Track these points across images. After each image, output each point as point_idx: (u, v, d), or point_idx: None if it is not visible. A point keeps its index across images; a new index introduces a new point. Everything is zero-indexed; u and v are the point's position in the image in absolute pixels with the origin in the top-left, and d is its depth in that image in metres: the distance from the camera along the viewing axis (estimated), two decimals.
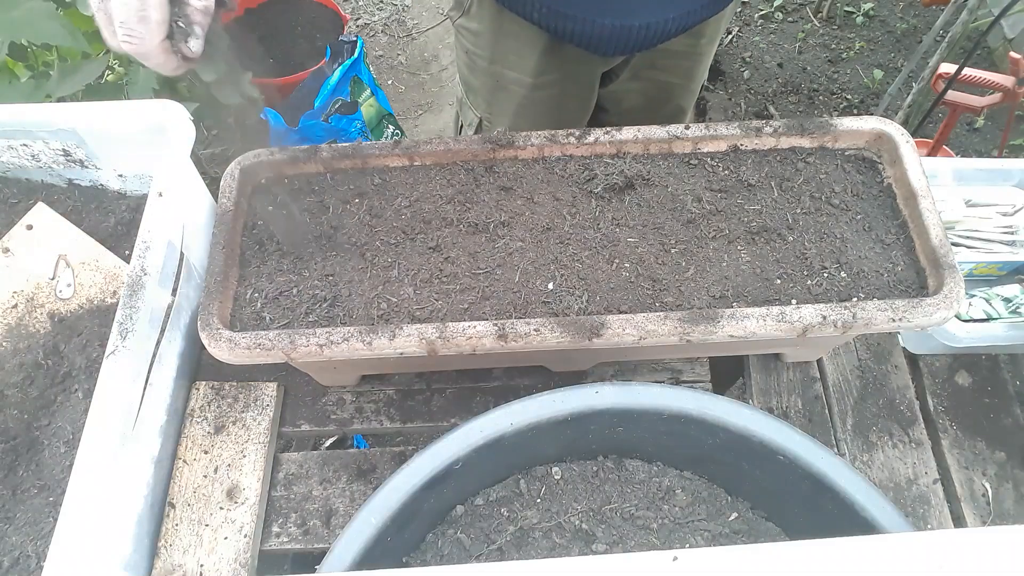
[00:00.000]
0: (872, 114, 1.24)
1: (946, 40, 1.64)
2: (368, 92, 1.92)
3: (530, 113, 0.99)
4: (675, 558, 0.36)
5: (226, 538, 0.67)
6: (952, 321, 0.74)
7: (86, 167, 0.79)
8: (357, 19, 2.56)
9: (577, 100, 1.01)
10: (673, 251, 0.65)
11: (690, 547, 0.57)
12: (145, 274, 0.61)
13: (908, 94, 1.81)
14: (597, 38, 0.86)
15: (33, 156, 0.78)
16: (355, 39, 1.92)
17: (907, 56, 2.33)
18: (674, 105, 1.06)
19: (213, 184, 0.70)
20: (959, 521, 0.70)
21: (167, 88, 1.44)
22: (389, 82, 2.39)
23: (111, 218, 0.80)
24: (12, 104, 0.73)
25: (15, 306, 0.73)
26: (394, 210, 0.68)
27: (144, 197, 0.74)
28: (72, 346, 0.71)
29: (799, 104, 2.28)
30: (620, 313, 0.61)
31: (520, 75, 0.95)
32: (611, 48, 0.88)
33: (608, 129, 0.70)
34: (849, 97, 2.28)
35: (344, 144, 0.71)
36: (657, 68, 0.98)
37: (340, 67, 1.84)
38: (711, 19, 0.91)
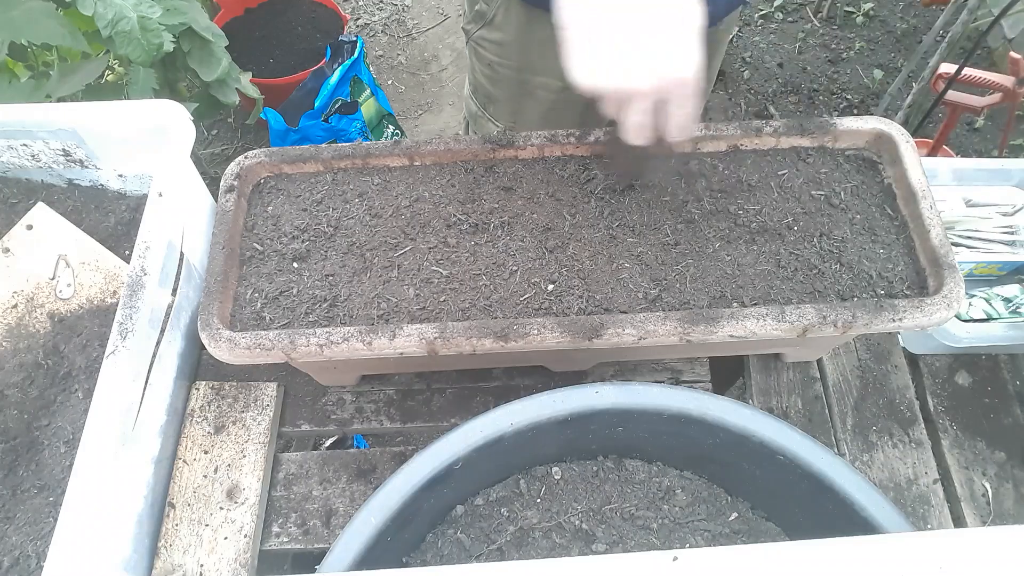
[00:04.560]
0: (872, 114, 1.24)
1: (946, 40, 1.64)
2: (368, 92, 1.92)
3: (558, 116, 0.98)
4: (675, 558, 0.36)
5: (226, 538, 0.67)
6: (952, 321, 0.74)
7: (86, 167, 0.79)
8: (357, 19, 2.56)
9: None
10: (673, 251, 0.65)
11: (690, 547, 0.57)
12: (145, 274, 0.61)
13: (908, 94, 1.81)
14: None
15: (33, 156, 0.78)
16: (355, 39, 1.93)
17: (907, 56, 2.33)
18: None
19: (213, 184, 0.70)
20: (959, 521, 0.70)
21: (167, 88, 1.45)
22: (389, 82, 2.39)
23: (111, 218, 0.80)
24: (12, 104, 0.73)
25: (15, 306, 0.73)
26: (394, 210, 0.68)
27: (144, 197, 0.74)
28: (72, 346, 0.71)
29: (799, 104, 2.28)
30: (620, 313, 0.61)
31: (549, 79, 0.94)
32: None
33: (608, 129, 0.70)
34: (849, 97, 2.28)
35: (344, 144, 0.71)
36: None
37: (340, 67, 1.84)
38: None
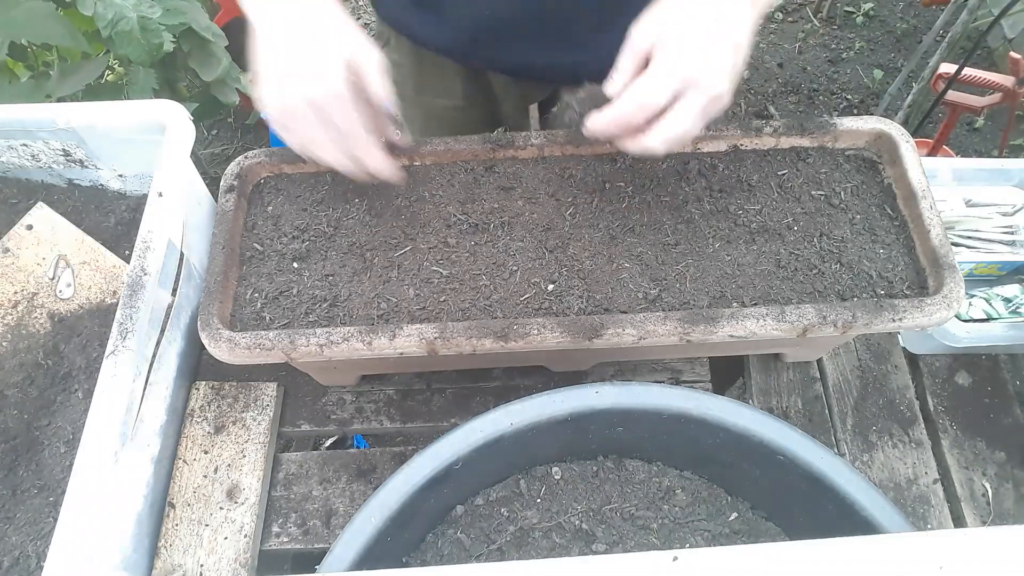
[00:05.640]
0: (872, 114, 1.24)
1: (946, 40, 1.64)
2: None
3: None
4: (675, 558, 0.36)
5: (226, 538, 0.67)
6: (952, 321, 0.74)
7: (86, 167, 0.79)
8: (357, 19, 2.56)
9: (513, 123, 1.00)
10: (673, 251, 0.65)
11: (690, 547, 0.57)
12: (145, 274, 0.61)
13: (908, 94, 1.81)
14: (503, 69, 0.87)
15: (33, 156, 0.78)
16: None
17: (907, 56, 2.33)
18: None
19: (213, 184, 0.70)
20: (959, 521, 0.70)
21: (167, 88, 1.45)
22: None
23: (111, 218, 0.80)
24: (12, 104, 0.73)
25: (15, 306, 0.73)
26: (394, 210, 0.68)
27: (144, 197, 0.74)
28: (72, 346, 0.71)
29: (799, 104, 2.29)
30: (620, 313, 0.61)
31: (449, 101, 0.94)
32: (533, 79, 0.89)
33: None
34: (849, 97, 2.28)
35: None
36: (599, 105, 0.97)
37: None
38: None
